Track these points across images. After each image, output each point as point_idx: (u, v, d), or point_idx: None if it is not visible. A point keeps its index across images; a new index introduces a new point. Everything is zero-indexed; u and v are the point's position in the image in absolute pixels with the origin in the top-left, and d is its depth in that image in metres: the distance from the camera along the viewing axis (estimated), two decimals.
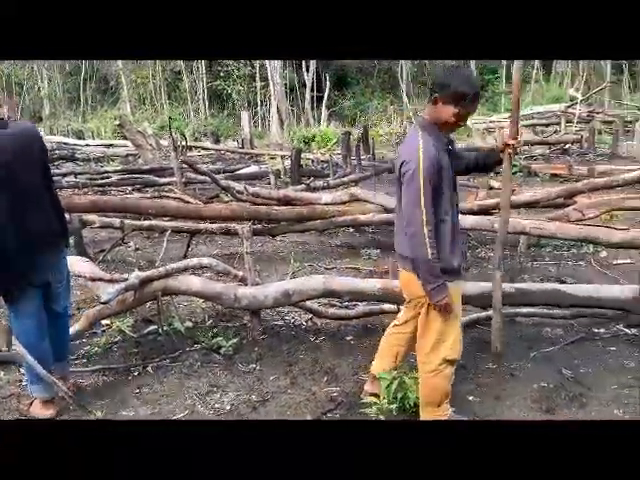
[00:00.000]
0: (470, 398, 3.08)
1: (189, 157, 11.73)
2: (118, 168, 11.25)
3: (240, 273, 4.01)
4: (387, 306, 3.92)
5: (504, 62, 22.10)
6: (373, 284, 3.78)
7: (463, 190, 6.54)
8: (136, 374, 3.47)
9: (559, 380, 3.22)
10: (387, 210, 5.76)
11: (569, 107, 16.75)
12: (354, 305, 4.21)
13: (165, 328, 3.81)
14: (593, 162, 11.12)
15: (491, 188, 7.66)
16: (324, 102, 21.44)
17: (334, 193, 6.86)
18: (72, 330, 3.48)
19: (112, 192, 9.07)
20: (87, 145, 16.10)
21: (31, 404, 3.05)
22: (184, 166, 8.62)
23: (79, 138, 18.07)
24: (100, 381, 3.41)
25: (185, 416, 3.00)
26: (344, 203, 6.18)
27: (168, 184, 9.10)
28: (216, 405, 3.11)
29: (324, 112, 21.37)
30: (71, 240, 5.19)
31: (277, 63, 20.61)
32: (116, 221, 5.89)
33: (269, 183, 9.58)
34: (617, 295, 3.60)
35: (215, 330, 3.93)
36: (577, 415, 2.88)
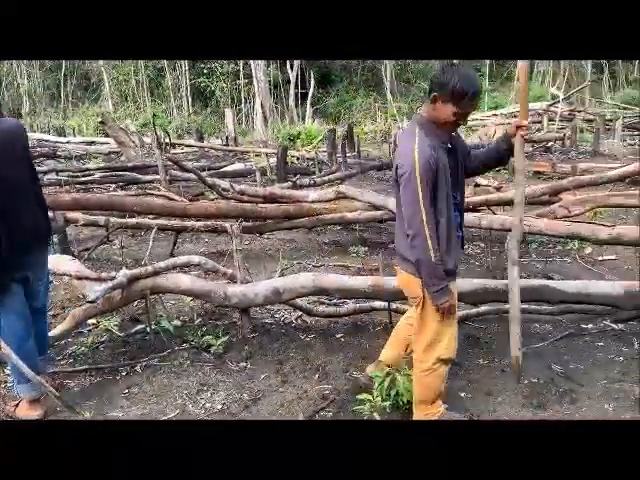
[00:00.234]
0: (462, 394, 3.09)
1: (173, 154, 11.61)
2: (101, 165, 11.10)
3: (229, 271, 3.98)
4: (377, 303, 3.92)
5: (487, 60, 22.24)
6: (364, 281, 3.77)
7: None
8: (124, 374, 3.42)
9: (549, 376, 3.24)
10: (375, 207, 5.76)
11: (551, 105, 16.91)
12: (343, 303, 4.21)
13: (153, 327, 3.76)
14: (575, 160, 11.24)
15: (477, 185, 7.68)
16: (308, 99, 21.40)
17: (321, 191, 6.83)
18: (58, 329, 3.42)
19: (95, 190, 8.93)
20: (68, 142, 15.85)
21: (17, 405, 2.99)
22: (168, 163, 8.54)
23: (60, 135, 17.80)
24: (87, 381, 3.36)
25: (176, 416, 2.96)
26: (331, 201, 6.16)
27: (152, 182, 9.01)
28: (207, 404, 3.08)
29: (308, 109, 21.32)
30: (55, 238, 5.15)
31: (261, 60, 20.51)
32: (101, 219, 5.81)
33: (254, 181, 9.54)
34: (608, 291, 3.63)
35: (204, 329, 3.89)
36: (568, 410, 2.91)
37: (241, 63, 22.26)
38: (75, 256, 4.96)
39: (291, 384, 3.26)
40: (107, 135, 14.39)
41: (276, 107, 22.23)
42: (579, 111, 17.07)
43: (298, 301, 3.92)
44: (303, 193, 6.61)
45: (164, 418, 2.94)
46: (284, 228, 6.18)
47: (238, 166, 11.32)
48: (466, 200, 5.87)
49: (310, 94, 21.53)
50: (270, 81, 21.95)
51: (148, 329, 3.76)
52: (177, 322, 3.97)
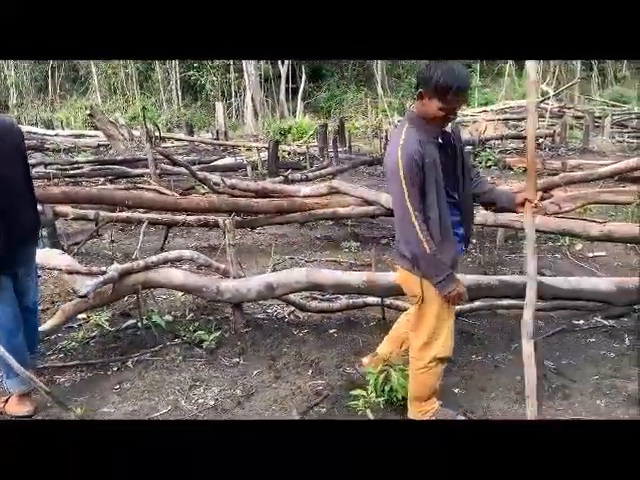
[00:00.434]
0: (455, 390, 3.09)
1: (163, 148, 11.53)
2: (90, 159, 10.98)
3: (222, 266, 3.95)
4: (370, 299, 3.91)
5: None
6: (358, 277, 3.76)
7: None
8: (115, 369, 3.39)
9: (541, 371, 3.25)
10: (367, 203, 5.74)
11: (541, 102, 16.99)
12: (336, 298, 4.19)
13: (145, 322, 3.72)
14: (565, 156, 11.30)
15: None
16: (299, 94, 21.32)
17: (313, 185, 6.81)
18: (48, 324, 3.38)
19: (83, 183, 8.84)
20: (57, 135, 15.67)
21: (6, 401, 2.95)
22: (158, 157, 8.47)
23: (48, 128, 17.58)
24: (78, 377, 3.32)
25: (168, 412, 2.94)
26: (323, 196, 6.14)
27: (141, 175, 8.94)
28: (200, 400, 3.06)
29: (299, 104, 21.25)
30: (44, 232, 5.08)
31: None
32: (91, 213, 5.75)
33: (245, 175, 9.49)
34: (601, 288, 3.65)
35: (196, 324, 3.85)
36: (561, 406, 2.92)
37: None
38: (65, 250, 4.90)
39: (284, 380, 3.25)
40: (96, 128, 14.25)
41: (267, 101, 22.15)
42: (569, 108, 17.16)
43: (291, 296, 3.90)
44: (295, 188, 6.59)
45: (157, 414, 2.92)
46: (276, 223, 6.15)
47: (228, 160, 11.27)
48: None
49: (301, 88, 21.47)
50: (261, 75, 21.84)
51: (139, 324, 3.72)
52: (169, 317, 3.93)
